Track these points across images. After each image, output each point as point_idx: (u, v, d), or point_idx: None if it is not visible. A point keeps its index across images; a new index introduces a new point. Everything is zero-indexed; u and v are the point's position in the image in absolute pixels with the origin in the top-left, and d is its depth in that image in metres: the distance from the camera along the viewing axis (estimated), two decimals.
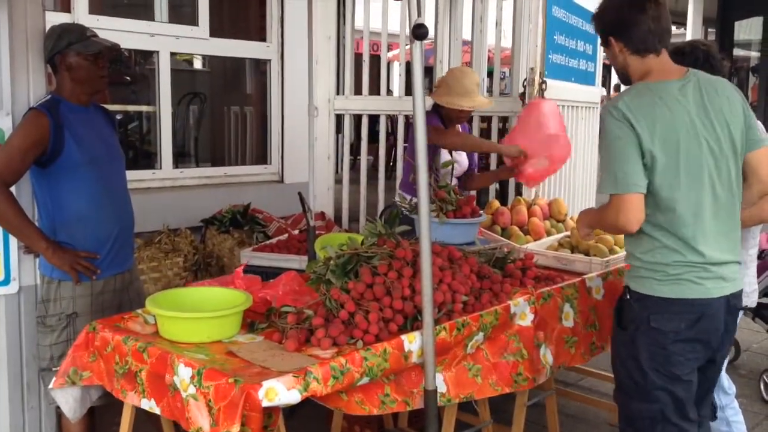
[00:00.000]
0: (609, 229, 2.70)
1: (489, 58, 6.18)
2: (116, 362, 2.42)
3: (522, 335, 2.80)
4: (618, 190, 2.35)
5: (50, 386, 2.61)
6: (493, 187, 5.61)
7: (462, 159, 4.17)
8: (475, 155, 4.31)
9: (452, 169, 4.01)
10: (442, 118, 3.97)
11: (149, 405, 2.31)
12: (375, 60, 7.39)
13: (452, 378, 2.55)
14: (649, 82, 2.43)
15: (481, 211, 3.55)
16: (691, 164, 2.36)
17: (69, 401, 2.63)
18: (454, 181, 4.10)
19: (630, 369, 2.49)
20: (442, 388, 2.50)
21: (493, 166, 5.20)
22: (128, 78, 6.77)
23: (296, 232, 4.68)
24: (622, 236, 3.65)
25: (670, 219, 2.38)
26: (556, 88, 4.79)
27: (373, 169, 6.67)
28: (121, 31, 4.93)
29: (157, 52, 5.50)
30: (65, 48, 2.85)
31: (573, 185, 5.51)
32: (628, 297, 2.49)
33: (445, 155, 4.01)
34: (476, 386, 2.62)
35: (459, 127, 4.09)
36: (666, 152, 2.34)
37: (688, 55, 2.87)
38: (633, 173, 2.33)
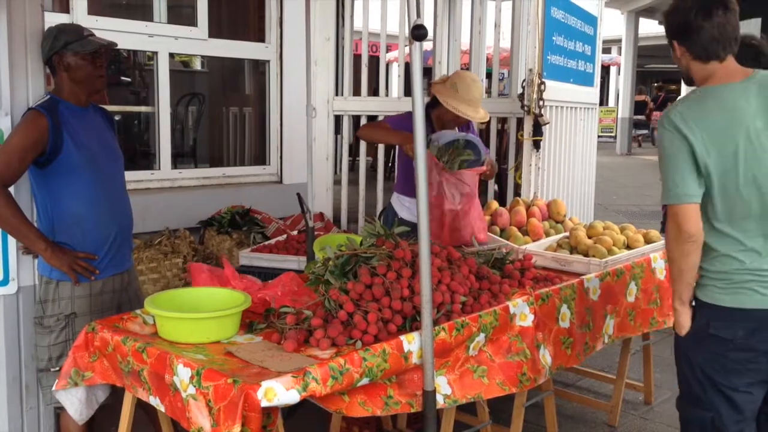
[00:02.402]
0: (679, 246, 2.36)
1: (488, 59, 6.19)
2: (119, 361, 2.42)
3: (524, 336, 2.81)
4: (671, 200, 2.32)
5: (54, 388, 2.61)
6: (492, 188, 5.62)
7: None
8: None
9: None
10: (431, 118, 3.82)
11: (156, 402, 2.32)
12: (374, 61, 7.38)
13: (457, 380, 2.55)
14: (709, 87, 2.36)
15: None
16: (753, 170, 2.27)
17: (74, 402, 2.64)
18: None
19: (688, 375, 2.47)
20: (446, 390, 2.50)
21: (492, 155, 5.20)
22: (127, 79, 6.77)
23: (295, 232, 4.68)
24: (621, 238, 3.66)
25: (730, 227, 2.32)
26: (555, 89, 4.80)
27: (371, 170, 6.69)
28: (119, 32, 4.92)
29: (156, 52, 5.50)
30: (62, 48, 2.85)
31: (572, 186, 5.52)
32: (693, 305, 2.45)
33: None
34: (483, 387, 2.63)
35: (457, 129, 4.02)
36: (723, 160, 2.27)
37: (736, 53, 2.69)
38: (684, 183, 2.29)
